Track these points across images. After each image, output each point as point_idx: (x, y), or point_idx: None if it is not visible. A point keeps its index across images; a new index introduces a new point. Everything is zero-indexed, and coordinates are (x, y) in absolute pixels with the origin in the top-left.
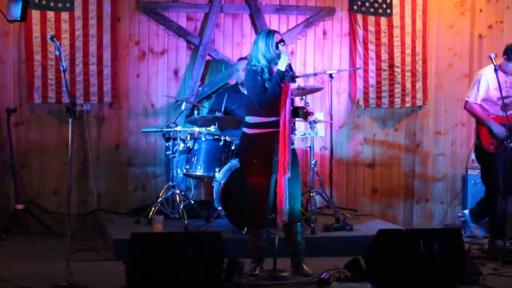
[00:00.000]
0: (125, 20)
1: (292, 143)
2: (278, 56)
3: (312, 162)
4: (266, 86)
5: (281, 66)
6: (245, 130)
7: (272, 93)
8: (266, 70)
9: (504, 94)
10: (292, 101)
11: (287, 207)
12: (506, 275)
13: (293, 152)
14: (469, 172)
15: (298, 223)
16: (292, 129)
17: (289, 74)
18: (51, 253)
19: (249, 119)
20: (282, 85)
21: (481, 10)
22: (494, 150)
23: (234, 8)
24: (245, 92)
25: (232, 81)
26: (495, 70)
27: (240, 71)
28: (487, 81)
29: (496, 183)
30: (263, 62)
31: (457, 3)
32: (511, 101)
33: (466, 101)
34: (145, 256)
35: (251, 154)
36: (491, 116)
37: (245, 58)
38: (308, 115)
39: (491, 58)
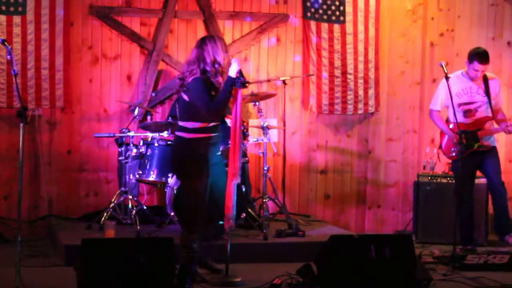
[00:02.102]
0: (78, 25)
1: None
2: (228, 62)
3: (265, 168)
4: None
5: (232, 72)
6: (183, 135)
7: (222, 100)
8: (214, 75)
9: (467, 100)
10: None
11: (235, 213)
12: (456, 281)
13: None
14: (420, 179)
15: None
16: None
17: (239, 81)
18: (0, 260)
19: (188, 124)
20: (233, 91)
21: (432, 19)
22: (457, 157)
23: (188, 14)
24: None
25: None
26: (446, 78)
27: None
28: (446, 89)
29: (458, 191)
30: (216, 68)
31: (409, 11)
32: (476, 107)
33: (430, 109)
34: (96, 262)
35: (191, 159)
36: (453, 123)
37: None
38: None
39: (442, 66)
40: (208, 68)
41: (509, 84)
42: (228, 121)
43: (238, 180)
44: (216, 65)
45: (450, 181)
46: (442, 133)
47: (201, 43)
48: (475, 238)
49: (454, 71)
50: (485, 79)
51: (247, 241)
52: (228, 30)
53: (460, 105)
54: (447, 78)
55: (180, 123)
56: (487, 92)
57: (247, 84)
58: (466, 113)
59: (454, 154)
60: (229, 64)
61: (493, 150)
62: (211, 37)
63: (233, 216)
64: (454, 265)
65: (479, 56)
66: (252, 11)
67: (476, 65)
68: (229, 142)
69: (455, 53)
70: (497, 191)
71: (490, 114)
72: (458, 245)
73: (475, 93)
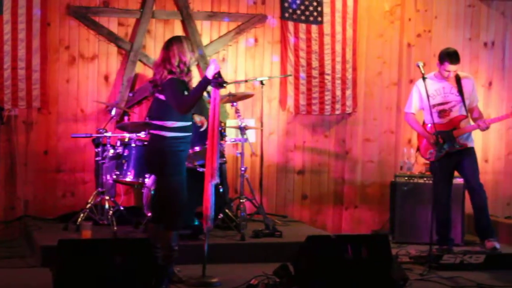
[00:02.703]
0: (55, 25)
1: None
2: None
3: (242, 169)
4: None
5: (209, 73)
6: (163, 133)
7: (192, 97)
8: (179, 75)
9: (441, 100)
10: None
11: (213, 214)
12: (432, 280)
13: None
14: (397, 179)
15: None
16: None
17: (216, 81)
18: None
19: (168, 123)
20: (212, 91)
21: (410, 19)
22: (434, 158)
23: (165, 14)
24: None
25: None
26: (423, 79)
27: None
28: (419, 90)
29: (435, 192)
30: (182, 68)
31: (387, 12)
32: (450, 107)
33: (404, 112)
34: (72, 263)
35: (172, 157)
36: (429, 125)
37: None
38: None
39: (419, 66)
40: (173, 70)
41: (485, 84)
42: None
43: (216, 180)
44: (181, 65)
45: (427, 182)
46: (419, 135)
47: (168, 45)
48: (452, 238)
49: (431, 72)
50: (458, 79)
51: (224, 242)
52: (206, 30)
53: (434, 105)
54: (424, 78)
55: (159, 122)
56: (461, 92)
57: (224, 85)
58: (441, 113)
59: (431, 155)
60: (207, 64)
61: (470, 151)
62: (177, 37)
63: (212, 217)
64: (431, 265)
65: (449, 56)
66: (230, 12)
67: (447, 65)
68: (206, 142)
69: (432, 54)
70: (476, 193)
71: (464, 113)
72: (434, 245)
73: (448, 93)
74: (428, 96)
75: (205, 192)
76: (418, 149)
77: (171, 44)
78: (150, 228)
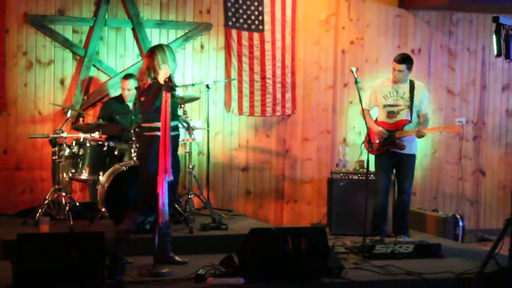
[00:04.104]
0: (13, 32)
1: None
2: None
3: (190, 166)
4: None
5: (161, 78)
6: (157, 133)
7: (150, 97)
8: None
9: (392, 102)
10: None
11: (168, 208)
12: (365, 269)
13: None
14: (334, 175)
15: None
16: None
17: (167, 85)
18: None
19: (157, 124)
20: (163, 94)
21: (343, 28)
22: (376, 152)
23: (117, 23)
24: (129, 104)
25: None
26: (356, 83)
27: (125, 91)
28: (375, 90)
29: (376, 183)
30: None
31: (322, 21)
32: (398, 110)
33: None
34: (31, 256)
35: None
36: (378, 122)
37: (131, 76)
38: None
39: (352, 71)
40: (158, 77)
41: None
42: None
43: (170, 176)
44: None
45: (361, 178)
46: (368, 130)
47: (151, 53)
48: (385, 229)
49: (364, 76)
50: (412, 85)
51: (173, 235)
52: (155, 37)
53: (385, 106)
54: (356, 82)
55: (152, 124)
56: (412, 98)
57: (175, 88)
58: (389, 114)
59: (374, 149)
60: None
61: (411, 158)
62: (160, 46)
63: (166, 211)
64: (364, 254)
65: (396, 56)
66: (177, 20)
67: (393, 64)
68: None
69: (364, 60)
70: (403, 197)
71: (409, 118)
72: (368, 236)
73: (400, 97)
74: (360, 99)
75: (159, 187)
76: (363, 142)
77: (154, 52)
78: (129, 215)
